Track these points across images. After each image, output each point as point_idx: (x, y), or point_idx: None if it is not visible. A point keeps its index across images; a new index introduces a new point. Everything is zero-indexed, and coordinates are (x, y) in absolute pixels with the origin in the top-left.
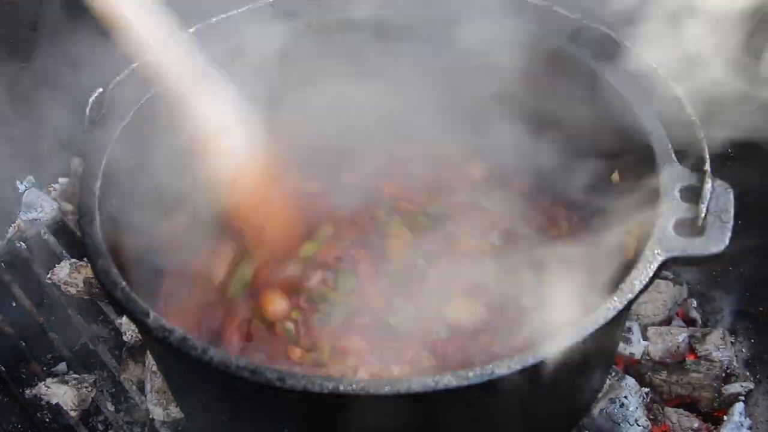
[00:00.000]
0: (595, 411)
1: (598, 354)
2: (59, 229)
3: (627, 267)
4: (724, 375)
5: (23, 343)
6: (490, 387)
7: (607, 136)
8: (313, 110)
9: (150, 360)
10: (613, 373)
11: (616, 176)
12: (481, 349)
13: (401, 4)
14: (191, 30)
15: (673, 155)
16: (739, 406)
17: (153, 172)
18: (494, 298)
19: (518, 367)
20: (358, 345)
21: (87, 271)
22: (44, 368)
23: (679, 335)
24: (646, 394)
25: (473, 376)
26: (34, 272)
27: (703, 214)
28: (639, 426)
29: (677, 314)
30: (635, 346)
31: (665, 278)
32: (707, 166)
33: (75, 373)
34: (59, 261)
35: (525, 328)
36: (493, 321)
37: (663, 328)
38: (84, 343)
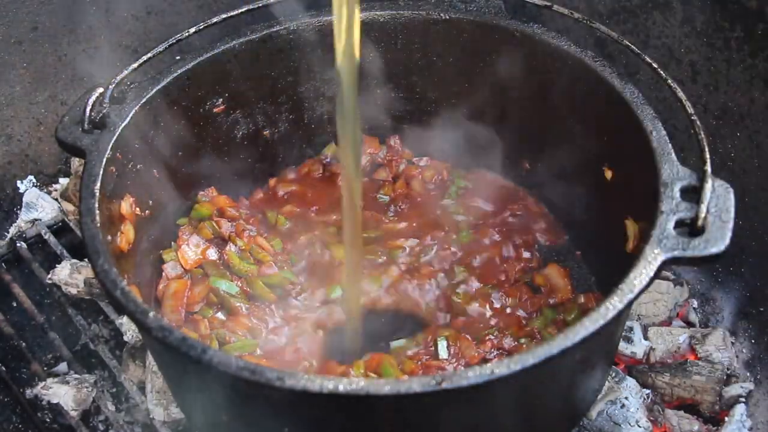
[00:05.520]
0: (596, 412)
1: (599, 354)
2: (60, 229)
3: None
4: (725, 377)
5: (23, 343)
6: (490, 387)
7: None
8: None
9: (150, 360)
10: (614, 374)
11: (609, 173)
12: None
13: None
14: None
15: (673, 155)
16: (740, 408)
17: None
18: None
19: (518, 367)
20: None
21: (87, 272)
22: (45, 368)
23: (680, 336)
24: (647, 395)
25: (473, 375)
26: (34, 272)
27: (703, 214)
28: (640, 427)
29: (678, 315)
30: (637, 346)
31: (666, 279)
32: (707, 166)
33: (75, 373)
34: (60, 261)
35: None
36: None
37: (663, 329)
38: (84, 343)
